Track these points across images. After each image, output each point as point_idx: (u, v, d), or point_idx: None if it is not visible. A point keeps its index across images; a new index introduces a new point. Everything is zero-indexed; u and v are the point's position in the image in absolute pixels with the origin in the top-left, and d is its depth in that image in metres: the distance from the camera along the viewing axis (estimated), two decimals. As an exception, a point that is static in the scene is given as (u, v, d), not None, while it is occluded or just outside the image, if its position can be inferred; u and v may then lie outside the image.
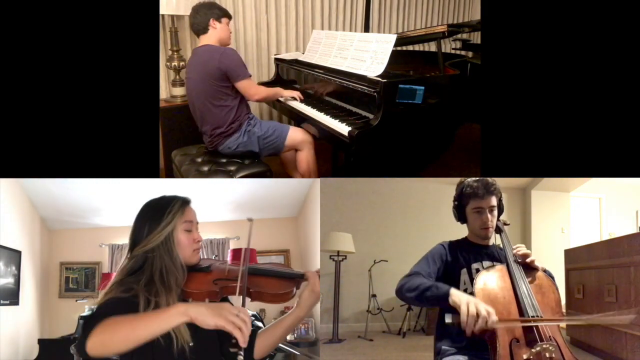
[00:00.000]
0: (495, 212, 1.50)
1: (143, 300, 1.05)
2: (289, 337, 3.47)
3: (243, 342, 0.97)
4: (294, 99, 2.86)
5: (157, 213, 1.19)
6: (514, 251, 1.42)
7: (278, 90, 2.90)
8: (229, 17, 2.70)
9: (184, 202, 1.23)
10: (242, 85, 2.54)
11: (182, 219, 1.20)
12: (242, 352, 1.01)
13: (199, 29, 2.62)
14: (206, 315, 0.96)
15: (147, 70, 1.85)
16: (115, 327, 0.95)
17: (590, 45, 1.85)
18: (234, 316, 0.98)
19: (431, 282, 1.35)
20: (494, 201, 1.49)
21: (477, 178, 1.52)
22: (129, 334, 0.93)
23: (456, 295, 1.23)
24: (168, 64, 3.32)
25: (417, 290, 1.31)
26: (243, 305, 1.14)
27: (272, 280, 1.27)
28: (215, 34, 2.62)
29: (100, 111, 1.82)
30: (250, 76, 2.61)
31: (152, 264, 1.13)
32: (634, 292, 2.51)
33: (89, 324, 0.97)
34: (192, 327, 1.00)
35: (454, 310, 1.21)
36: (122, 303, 1.04)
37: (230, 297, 1.22)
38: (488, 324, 1.15)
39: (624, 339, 2.60)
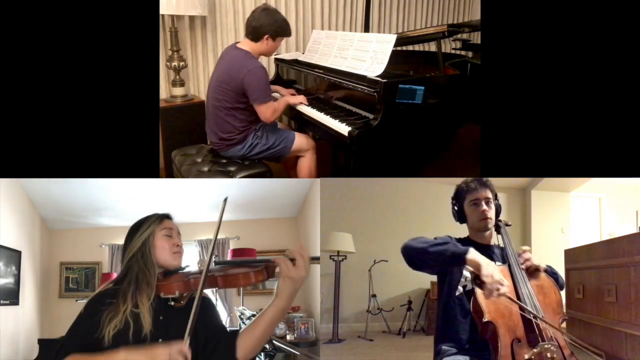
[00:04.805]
0: (492, 205, 1.53)
1: (122, 303, 1.16)
2: (288, 337, 3.47)
3: None
4: (302, 103, 2.77)
5: (138, 225, 1.31)
6: (521, 263, 1.42)
7: (284, 100, 2.75)
8: (286, 36, 2.62)
9: (164, 216, 1.34)
10: (259, 109, 2.48)
11: (160, 227, 1.30)
12: None
13: (251, 33, 2.52)
14: None
15: (147, 70, 1.84)
16: None
17: (590, 45, 1.85)
18: (167, 355, 1.06)
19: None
20: (488, 193, 1.53)
21: (472, 178, 1.58)
22: None
23: (474, 253, 1.27)
24: (168, 64, 3.32)
25: (430, 242, 1.35)
26: (202, 288, 1.18)
27: (238, 267, 1.27)
28: (261, 47, 2.54)
29: (101, 111, 1.82)
30: (271, 99, 2.53)
31: (132, 269, 1.24)
32: (634, 292, 2.51)
33: (59, 354, 1.10)
34: None
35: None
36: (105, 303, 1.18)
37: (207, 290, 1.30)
38: (501, 291, 1.20)
39: (624, 339, 2.60)
